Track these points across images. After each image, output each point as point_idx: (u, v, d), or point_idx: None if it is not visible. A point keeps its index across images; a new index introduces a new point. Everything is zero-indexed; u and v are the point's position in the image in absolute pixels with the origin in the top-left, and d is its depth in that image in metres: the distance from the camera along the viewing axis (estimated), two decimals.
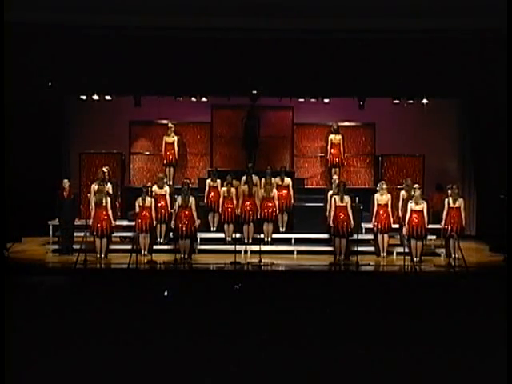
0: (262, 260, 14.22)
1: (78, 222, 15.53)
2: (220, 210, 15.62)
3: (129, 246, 14.52)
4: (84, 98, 16.95)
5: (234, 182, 15.82)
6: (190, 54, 15.54)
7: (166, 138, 17.64)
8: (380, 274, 14.30)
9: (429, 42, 15.36)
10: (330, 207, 14.84)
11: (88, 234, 14.45)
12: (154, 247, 15.03)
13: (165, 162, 17.57)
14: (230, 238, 15.50)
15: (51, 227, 15.65)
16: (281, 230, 16.03)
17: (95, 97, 16.78)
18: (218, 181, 15.94)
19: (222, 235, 15.69)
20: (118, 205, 16.49)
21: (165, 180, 15.77)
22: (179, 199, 14.66)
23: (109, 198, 14.73)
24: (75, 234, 15.12)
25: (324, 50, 15.51)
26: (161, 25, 15.03)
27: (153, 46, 15.49)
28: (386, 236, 15.09)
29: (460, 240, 14.39)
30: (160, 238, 15.31)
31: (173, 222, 14.73)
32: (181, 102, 17.31)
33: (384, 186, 15.16)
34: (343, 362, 7.31)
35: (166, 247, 15.29)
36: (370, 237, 15.62)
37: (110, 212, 14.65)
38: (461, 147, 18.79)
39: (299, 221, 16.10)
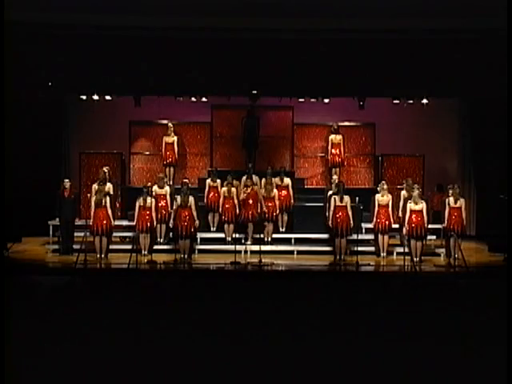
0: (262, 260, 14.23)
1: (78, 222, 15.54)
2: (220, 210, 15.64)
3: (129, 246, 14.51)
4: (84, 97, 16.95)
5: (235, 182, 15.83)
6: (190, 54, 15.54)
7: (165, 138, 17.65)
8: (380, 274, 14.30)
9: (429, 42, 15.36)
10: (330, 207, 14.87)
11: (88, 233, 14.45)
12: (154, 247, 15.04)
13: (165, 162, 17.58)
14: (229, 238, 15.51)
15: (51, 227, 15.66)
16: (281, 230, 16.04)
17: (95, 97, 16.78)
18: (218, 181, 15.95)
19: (222, 235, 15.70)
20: (118, 205, 16.51)
21: (165, 180, 15.77)
22: (178, 199, 14.66)
23: (108, 198, 14.73)
24: (75, 234, 15.14)
25: (324, 50, 15.51)
26: (161, 25, 15.04)
27: (153, 45, 15.49)
28: (386, 236, 15.08)
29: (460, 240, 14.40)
30: (160, 238, 15.31)
31: (172, 221, 14.75)
32: (181, 102, 17.31)
33: (385, 187, 15.15)
34: (343, 362, 7.31)
35: (166, 247, 15.30)
36: (370, 237, 15.63)
37: (109, 212, 14.64)
38: (461, 147, 18.79)
39: (299, 221, 16.11)
